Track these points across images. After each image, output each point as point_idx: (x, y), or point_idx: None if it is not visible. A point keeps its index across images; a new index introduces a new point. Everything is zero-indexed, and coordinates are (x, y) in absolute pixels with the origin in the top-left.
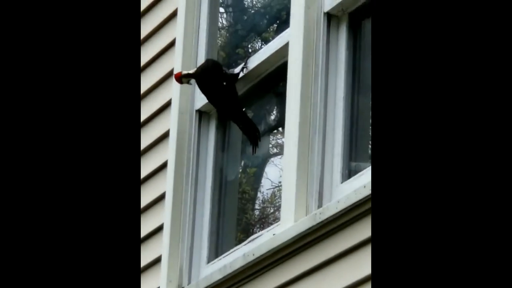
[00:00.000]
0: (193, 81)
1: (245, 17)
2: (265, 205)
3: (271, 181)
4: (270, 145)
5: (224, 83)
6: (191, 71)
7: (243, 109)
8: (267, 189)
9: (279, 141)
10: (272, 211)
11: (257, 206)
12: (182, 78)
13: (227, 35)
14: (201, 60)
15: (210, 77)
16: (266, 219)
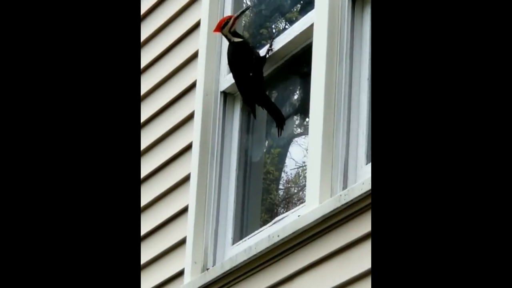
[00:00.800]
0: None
1: None
2: (289, 185)
3: (295, 161)
4: (294, 126)
5: (251, 74)
6: (229, 35)
7: (267, 93)
8: (291, 169)
9: (303, 122)
10: (296, 191)
11: (281, 187)
12: (222, 30)
13: (251, 15)
14: (226, 41)
15: (238, 64)
16: (290, 199)
